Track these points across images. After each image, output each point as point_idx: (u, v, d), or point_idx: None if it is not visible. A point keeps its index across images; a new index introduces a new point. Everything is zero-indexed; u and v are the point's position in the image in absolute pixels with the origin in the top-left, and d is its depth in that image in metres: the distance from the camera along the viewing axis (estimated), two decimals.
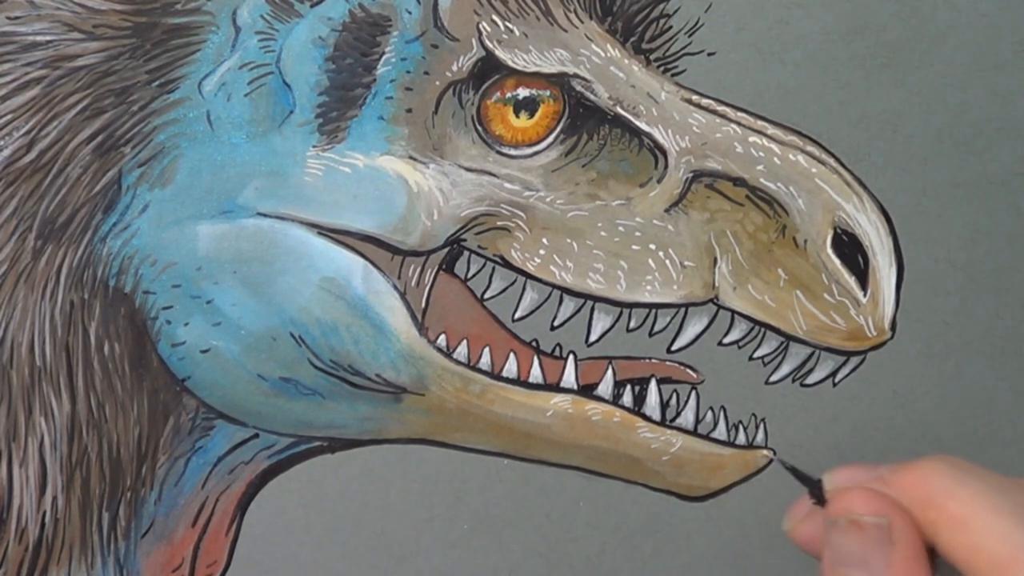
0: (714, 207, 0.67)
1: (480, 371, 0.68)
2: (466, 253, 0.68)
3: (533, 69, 0.66)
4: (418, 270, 0.68)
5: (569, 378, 0.69)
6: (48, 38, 0.65)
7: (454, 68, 0.66)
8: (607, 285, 0.67)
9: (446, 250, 0.68)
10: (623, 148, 0.67)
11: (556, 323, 0.69)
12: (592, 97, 0.66)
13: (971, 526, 0.53)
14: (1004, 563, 0.53)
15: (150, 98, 0.66)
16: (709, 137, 0.67)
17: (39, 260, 0.66)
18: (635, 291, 0.67)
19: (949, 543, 0.54)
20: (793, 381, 0.70)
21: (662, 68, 0.68)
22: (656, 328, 0.69)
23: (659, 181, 0.67)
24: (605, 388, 0.69)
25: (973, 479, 0.55)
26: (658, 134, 0.66)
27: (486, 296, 0.69)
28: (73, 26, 0.65)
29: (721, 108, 0.67)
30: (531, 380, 0.69)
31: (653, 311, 0.68)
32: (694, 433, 0.70)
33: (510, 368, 0.69)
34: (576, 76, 0.66)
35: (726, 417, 0.70)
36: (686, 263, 0.67)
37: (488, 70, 0.66)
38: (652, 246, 0.67)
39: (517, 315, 0.69)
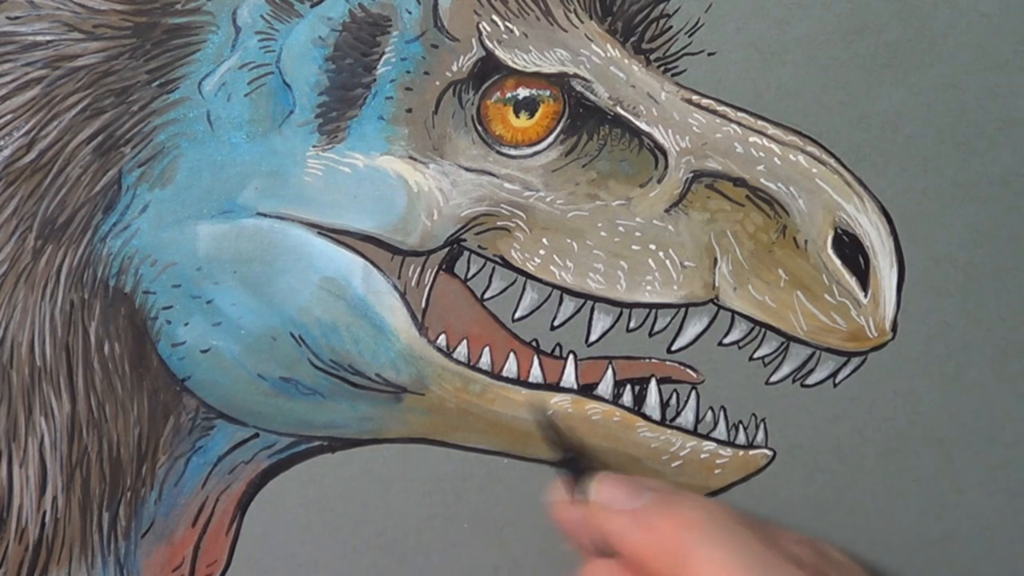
0: (714, 207, 0.67)
1: (480, 371, 0.68)
2: (466, 253, 0.68)
3: (533, 69, 0.66)
4: (418, 270, 0.68)
5: (569, 378, 0.69)
6: (48, 38, 0.65)
7: (454, 68, 0.66)
8: (607, 285, 0.67)
9: (446, 250, 0.68)
10: (623, 148, 0.67)
11: (556, 323, 0.69)
12: (592, 97, 0.66)
13: None
14: None
15: (150, 98, 0.66)
16: (709, 137, 0.67)
17: (39, 260, 0.66)
18: (635, 291, 0.67)
19: None
20: (793, 381, 0.70)
21: (662, 68, 0.68)
22: (656, 328, 0.69)
23: (659, 181, 0.67)
24: (605, 388, 0.69)
25: (727, 538, 0.54)
26: (658, 134, 0.66)
27: (486, 296, 0.69)
28: (73, 26, 0.65)
29: (721, 108, 0.67)
30: (531, 380, 0.69)
31: (653, 311, 0.68)
32: (694, 433, 0.70)
33: (510, 368, 0.69)
34: (576, 76, 0.66)
35: (726, 417, 0.70)
36: (686, 263, 0.67)
37: (488, 70, 0.66)
38: (652, 246, 0.67)
39: (517, 315, 0.69)
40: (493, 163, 0.67)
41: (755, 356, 0.69)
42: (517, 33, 0.66)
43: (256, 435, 0.70)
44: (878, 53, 0.68)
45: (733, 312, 0.68)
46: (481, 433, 0.69)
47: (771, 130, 0.67)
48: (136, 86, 0.65)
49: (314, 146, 0.66)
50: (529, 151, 0.67)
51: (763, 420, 0.71)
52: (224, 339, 0.67)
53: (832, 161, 0.67)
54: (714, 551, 0.54)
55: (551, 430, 0.59)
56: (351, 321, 0.67)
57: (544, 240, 0.67)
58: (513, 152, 0.67)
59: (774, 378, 0.70)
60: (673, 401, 0.70)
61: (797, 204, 0.66)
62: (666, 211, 0.67)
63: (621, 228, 0.67)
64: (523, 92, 0.67)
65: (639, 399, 0.69)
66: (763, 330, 0.68)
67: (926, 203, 0.70)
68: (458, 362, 0.68)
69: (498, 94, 0.66)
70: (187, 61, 0.66)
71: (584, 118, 0.67)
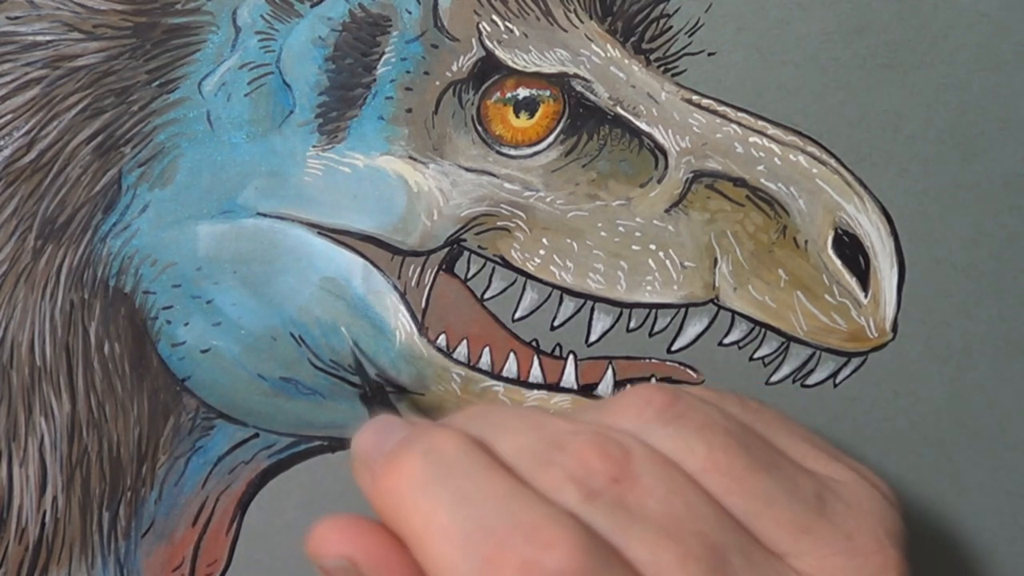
0: (714, 207, 0.67)
1: (480, 371, 0.68)
2: (466, 253, 0.68)
3: (533, 69, 0.66)
4: (418, 270, 0.68)
5: (569, 378, 0.69)
6: (48, 38, 0.65)
7: (454, 68, 0.66)
8: (607, 285, 0.67)
9: (446, 250, 0.68)
10: (623, 148, 0.67)
11: (556, 323, 0.69)
12: (592, 97, 0.66)
13: (423, 553, 0.44)
14: None
15: (150, 98, 0.66)
16: (709, 137, 0.66)
17: (39, 260, 0.66)
18: (635, 291, 0.67)
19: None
20: (794, 382, 0.70)
21: (662, 68, 0.68)
22: (656, 328, 0.69)
23: (659, 181, 0.67)
24: (605, 388, 0.69)
25: (442, 483, 0.44)
26: (658, 134, 0.66)
27: (486, 296, 0.69)
28: (73, 26, 0.65)
29: (721, 108, 0.67)
30: (531, 380, 0.69)
31: (653, 311, 0.68)
32: None
33: (510, 368, 0.69)
34: (576, 76, 0.66)
35: None
36: (686, 263, 0.67)
37: (488, 70, 0.66)
38: (652, 246, 0.67)
39: (517, 315, 0.69)
40: (493, 163, 0.67)
41: (755, 356, 0.69)
42: (517, 33, 0.66)
43: (256, 435, 0.70)
44: (878, 53, 0.68)
45: (733, 312, 0.68)
46: None
47: (771, 130, 0.67)
48: (136, 86, 0.65)
49: (314, 146, 0.66)
50: (529, 151, 0.67)
51: None
52: (224, 339, 0.67)
53: (832, 161, 0.67)
54: (421, 501, 0.44)
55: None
56: (351, 321, 0.67)
57: (544, 240, 0.67)
58: (513, 152, 0.67)
59: (774, 378, 0.70)
60: None
61: (797, 204, 0.66)
62: (666, 211, 0.67)
63: (621, 228, 0.67)
64: (523, 92, 0.67)
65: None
66: (763, 330, 0.68)
67: (927, 203, 0.70)
68: (458, 362, 0.68)
69: (498, 94, 0.66)
70: (187, 61, 0.66)
71: (584, 118, 0.67)
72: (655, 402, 0.50)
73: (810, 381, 0.70)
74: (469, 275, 0.69)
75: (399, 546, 0.45)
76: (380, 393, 0.65)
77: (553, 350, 0.70)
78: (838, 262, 0.67)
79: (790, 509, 0.48)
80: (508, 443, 0.47)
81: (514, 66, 0.66)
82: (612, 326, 0.69)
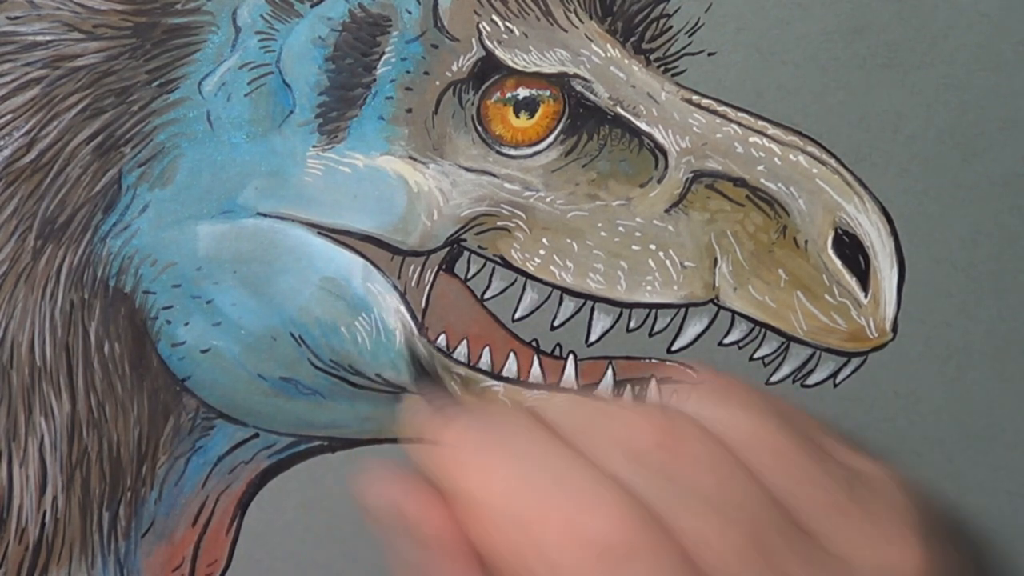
0: (714, 207, 0.67)
1: (480, 371, 0.68)
2: (466, 253, 0.68)
3: (533, 69, 0.66)
4: (418, 270, 0.68)
5: (569, 378, 0.69)
6: (48, 38, 0.65)
7: (454, 68, 0.66)
8: (607, 285, 0.67)
9: (446, 250, 0.68)
10: (623, 148, 0.67)
11: (556, 323, 0.69)
12: (592, 97, 0.66)
13: (468, 507, 0.44)
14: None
15: (150, 98, 0.66)
16: (709, 137, 0.66)
17: (39, 260, 0.66)
18: (635, 291, 0.67)
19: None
20: (794, 382, 0.70)
21: (662, 68, 0.68)
22: (656, 328, 0.69)
23: (659, 181, 0.67)
24: (605, 388, 0.69)
25: (491, 441, 0.45)
26: (658, 134, 0.66)
27: (486, 296, 0.69)
28: (73, 26, 0.65)
29: (721, 108, 0.67)
30: (531, 380, 0.69)
31: (653, 311, 0.68)
32: None
33: (510, 368, 0.69)
34: (576, 76, 0.66)
35: None
36: (686, 263, 0.67)
37: (488, 70, 0.66)
38: (652, 246, 0.67)
39: (517, 315, 0.69)
40: (493, 163, 0.67)
41: (755, 356, 0.69)
42: (517, 33, 0.66)
43: (256, 435, 0.70)
44: (878, 53, 0.68)
45: (733, 312, 0.68)
46: None
47: (771, 130, 0.67)
48: (136, 86, 0.65)
49: (314, 146, 0.66)
50: (529, 151, 0.67)
51: None
52: (224, 339, 0.67)
53: (832, 161, 0.67)
54: (473, 459, 0.45)
55: None
56: (351, 321, 0.67)
57: (544, 240, 0.67)
58: (513, 152, 0.67)
59: (774, 378, 0.70)
60: None
61: (797, 204, 0.66)
62: (666, 211, 0.67)
63: (621, 228, 0.67)
64: (523, 92, 0.66)
65: (639, 399, 0.69)
66: (763, 330, 0.68)
67: (927, 203, 0.70)
68: (458, 362, 0.68)
69: (498, 94, 0.66)
70: (187, 61, 0.66)
71: (584, 118, 0.67)
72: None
73: (810, 381, 0.70)
74: (469, 275, 0.69)
75: (444, 504, 0.46)
76: (431, 371, 0.65)
77: (553, 350, 0.70)
78: (838, 262, 0.67)
79: (826, 491, 0.48)
80: (556, 412, 0.49)
81: (514, 66, 0.66)
82: (612, 326, 0.69)
